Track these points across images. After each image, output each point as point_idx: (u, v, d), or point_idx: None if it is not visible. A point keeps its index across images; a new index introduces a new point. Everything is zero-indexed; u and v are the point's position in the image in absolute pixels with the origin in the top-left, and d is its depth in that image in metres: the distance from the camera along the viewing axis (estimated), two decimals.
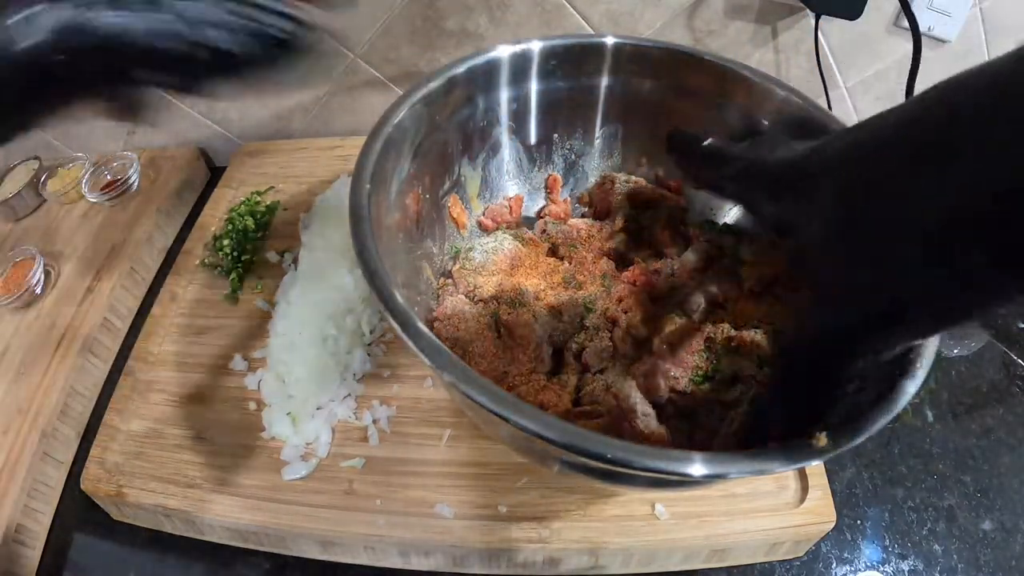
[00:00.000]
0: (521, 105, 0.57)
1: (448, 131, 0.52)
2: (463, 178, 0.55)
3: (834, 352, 0.31)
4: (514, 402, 0.31)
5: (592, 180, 0.62)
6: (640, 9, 0.72)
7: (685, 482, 0.39)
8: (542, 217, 0.60)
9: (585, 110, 0.59)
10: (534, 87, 0.56)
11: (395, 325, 0.34)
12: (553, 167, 0.62)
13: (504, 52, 0.52)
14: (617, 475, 0.35)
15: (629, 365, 0.46)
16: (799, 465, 0.32)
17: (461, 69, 0.50)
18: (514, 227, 0.58)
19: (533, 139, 0.59)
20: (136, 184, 0.77)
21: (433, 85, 0.49)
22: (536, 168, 0.61)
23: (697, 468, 0.30)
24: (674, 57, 0.55)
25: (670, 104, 0.57)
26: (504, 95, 0.55)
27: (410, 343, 0.34)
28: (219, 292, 0.65)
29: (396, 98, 0.47)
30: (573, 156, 0.62)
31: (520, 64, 0.54)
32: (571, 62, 0.56)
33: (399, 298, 0.35)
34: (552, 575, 0.50)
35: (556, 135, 0.60)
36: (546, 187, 0.61)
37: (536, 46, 0.54)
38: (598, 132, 0.61)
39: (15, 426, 0.54)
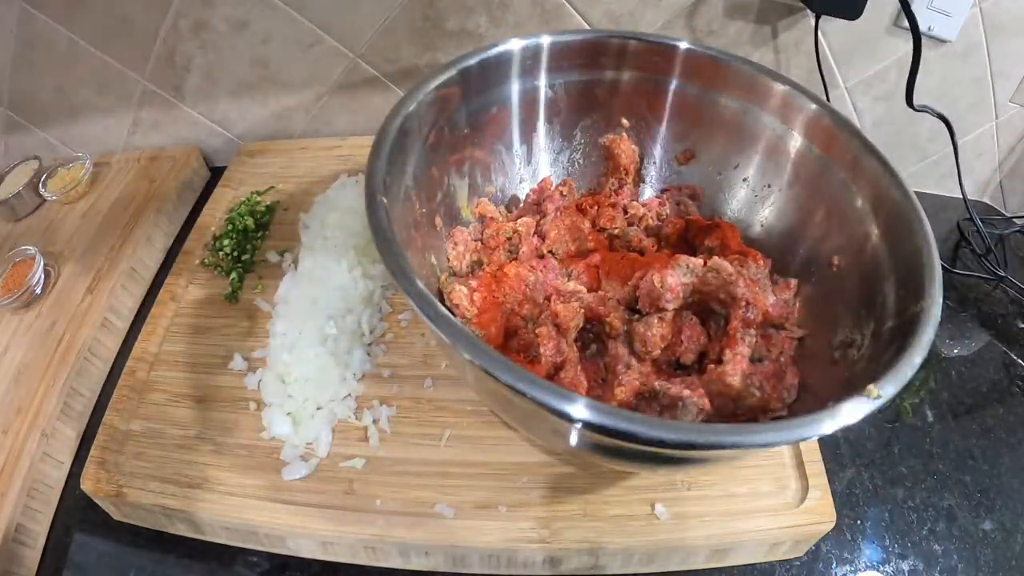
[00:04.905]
0: (530, 98, 0.57)
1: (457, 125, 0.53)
2: (452, 188, 0.55)
3: None
4: (531, 377, 0.32)
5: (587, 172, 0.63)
6: (640, 9, 0.72)
7: (693, 459, 0.39)
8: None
9: (592, 104, 0.60)
10: (542, 81, 0.57)
11: (413, 303, 0.36)
12: (555, 164, 0.62)
13: (515, 45, 0.53)
14: (624, 450, 0.36)
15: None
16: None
17: (472, 61, 0.51)
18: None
19: (537, 133, 0.60)
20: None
21: (444, 76, 0.50)
22: (529, 164, 0.61)
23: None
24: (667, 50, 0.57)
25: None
26: (514, 87, 0.56)
27: (431, 323, 0.35)
28: (219, 292, 0.65)
29: (399, 95, 0.48)
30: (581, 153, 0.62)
31: (530, 57, 0.55)
32: (580, 56, 0.56)
33: (417, 281, 0.36)
34: (552, 575, 0.50)
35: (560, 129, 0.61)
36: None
37: (545, 40, 0.55)
38: (604, 125, 0.61)
39: (15, 426, 0.54)
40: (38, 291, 0.65)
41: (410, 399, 0.56)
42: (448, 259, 0.54)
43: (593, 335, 0.51)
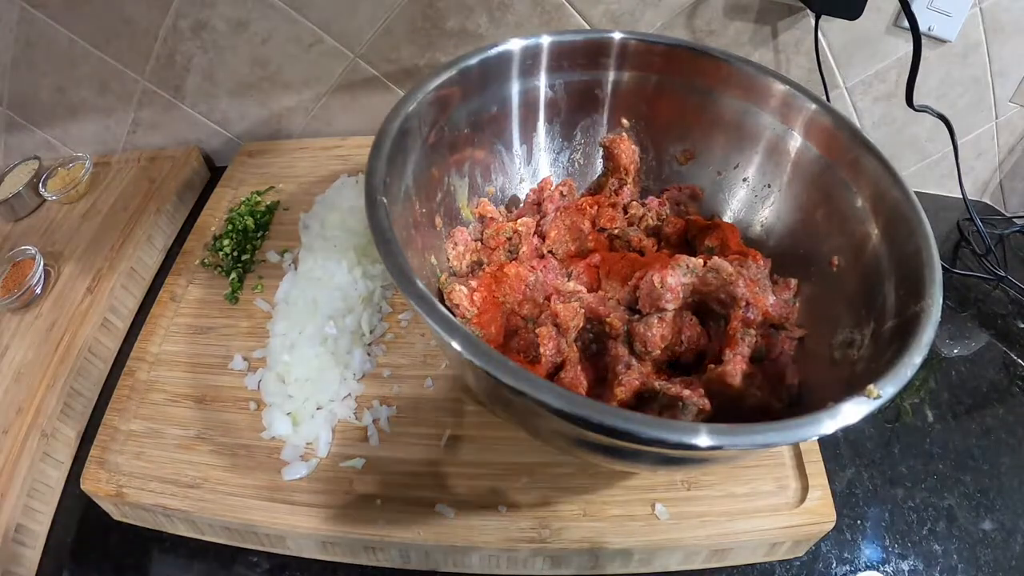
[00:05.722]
0: (530, 98, 0.58)
1: (458, 124, 0.54)
2: (452, 188, 0.55)
3: None
4: (530, 378, 0.32)
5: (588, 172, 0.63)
6: (640, 9, 0.72)
7: (692, 459, 0.39)
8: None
9: (592, 104, 0.60)
10: (542, 81, 0.57)
11: (413, 303, 0.36)
12: (555, 163, 0.62)
13: (515, 45, 0.53)
14: (624, 450, 0.36)
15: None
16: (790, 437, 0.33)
17: (472, 61, 0.51)
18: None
19: (538, 132, 0.60)
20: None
21: (444, 76, 0.50)
22: (529, 164, 0.61)
23: (703, 439, 0.31)
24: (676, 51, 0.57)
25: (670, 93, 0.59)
26: (514, 87, 0.56)
27: (432, 322, 0.35)
28: (219, 292, 0.65)
29: (399, 95, 0.48)
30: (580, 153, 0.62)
31: (530, 57, 0.55)
32: (580, 56, 0.56)
33: (417, 281, 0.36)
34: (552, 575, 0.50)
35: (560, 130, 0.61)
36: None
37: (545, 40, 0.55)
38: (604, 125, 0.61)
39: (15, 426, 0.54)
40: (38, 291, 0.65)
41: (410, 399, 0.56)
42: (448, 259, 0.54)
43: (593, 335, 0.51)
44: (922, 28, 0.63)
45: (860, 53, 0.73)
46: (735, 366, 0.45)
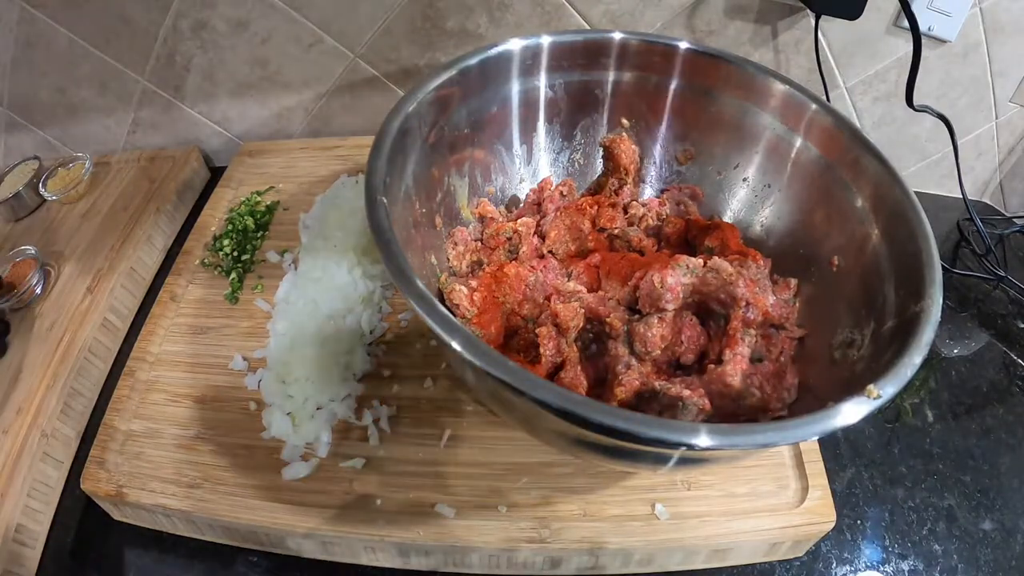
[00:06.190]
0: (530, 98, 0.58)
1: (457, 124, 0.54)
2: (452, 188, 0.55)
3: None
4: (530, 378, 0.32)
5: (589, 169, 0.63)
6: (640, 9, 0.72)
7: (692, 458, 0.39)
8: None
9: (592, 104, 0.60)
10: (542, 81, 0.57)
11: (413, 303, 0.36)
12: (555, 163, 0.62)
13: (515, 45, 0.54)
14: (624, 450, 0.36)
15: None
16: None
17: (472, 61, 0.51)
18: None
19: (538, 132, 0.60)
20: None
21: (444, 76, 0.50)
22: (529, 164, 0.61)
23: (702, 439, 0.31)
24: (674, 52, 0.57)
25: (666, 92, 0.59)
26: (514, 87, 0.56)
27: (432, 322, 0.35)
28: (219, 292, 0.65)
29: (399, 95, 0.48)
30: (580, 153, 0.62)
31: (530, 57, 0.55)
32: (580, 56, 0.57)
33: (417, 281, 0.36)
34: (552, 575, 0.50)
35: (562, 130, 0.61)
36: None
37: (545, 40, 0.55)
38: (604, 125, 0.61)
39: (15, 426, 0.54)
40: (38, 291, 0.65)
41: (410, 399, 0.56)
42: (448, 259, 0.54)
43: (593, 335, 0.51)
44: (922, 28, 0.63)
45: (860, 53, 0.73)
46: (735, 366, 0.45)
